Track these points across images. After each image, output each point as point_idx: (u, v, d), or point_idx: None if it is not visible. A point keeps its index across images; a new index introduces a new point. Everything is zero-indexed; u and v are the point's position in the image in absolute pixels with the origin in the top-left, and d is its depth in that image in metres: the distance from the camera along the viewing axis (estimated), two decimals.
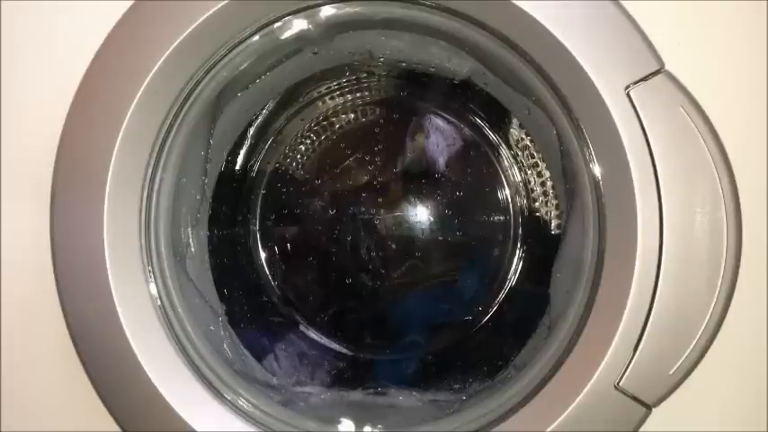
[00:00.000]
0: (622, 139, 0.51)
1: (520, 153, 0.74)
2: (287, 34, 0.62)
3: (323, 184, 0.75)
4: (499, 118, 0.74)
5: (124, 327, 0.55)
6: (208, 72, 0.59)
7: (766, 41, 0.54)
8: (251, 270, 0.76)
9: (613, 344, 0.52)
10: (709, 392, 0.56)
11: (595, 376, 0.52)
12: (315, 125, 0.76)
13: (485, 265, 0.75)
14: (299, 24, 0.61)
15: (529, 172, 0.74)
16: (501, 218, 0.74)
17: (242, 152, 0.73)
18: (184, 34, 0.55)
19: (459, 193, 0.75)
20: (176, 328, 0.60)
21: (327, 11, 0.60)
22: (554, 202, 0.70)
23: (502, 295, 0.74)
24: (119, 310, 0.55)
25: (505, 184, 0.74)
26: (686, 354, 0.52)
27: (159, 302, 0.59)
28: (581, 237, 0.59)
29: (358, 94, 0.76)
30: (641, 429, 0.54)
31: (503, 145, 0.74)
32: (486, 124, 0.75)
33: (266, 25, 0.59)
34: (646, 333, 0.52)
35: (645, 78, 0.52)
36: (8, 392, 0.63)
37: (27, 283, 0.61)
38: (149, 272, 0.59)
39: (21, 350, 0.62)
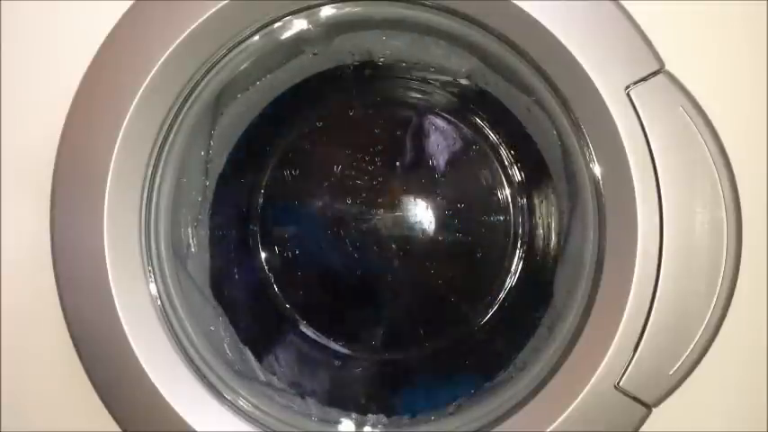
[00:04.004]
0: (622, 139, 0.51)
1: (520, 153, 0.74)
2: (287, 34, 0.62)
3: (323, 185, 0.75)
4: (499, 118, 0.74)
5: (124, 327, 0.55)
6: (208, 72, 0.59)
7: (766, 41, 0.54)
8: (251, 270, 0.76)
9: (613, 344, 0.52)
10: (710, 392, 0.56)
11: (595, 376, 0.52)
12: (315, 125, 0.76)
13: (485, 264, 0.75)
14: (299, 24, 0.61)
15: (529, 172, 0.74)
16: (501, 218, 0.74)
17: (243, 152, 0.73)
18: (184, 34, 0.55)
19: (459, 192, 0.75)
20: (176, 328, 0.60)
21: (327, 11, 0.60)
22: (554, 201, 0.69)
23: (502, 295, 0.74)
24: (119, 310, 0.55)
25: (505, 184, 0.74)
26: (686, 354, 0.52)
27: (159, 302, 0.59)
28: (581, 237, 0.59)
29: (358, 95, 0.76)
30: (641, 429, 0.54)
31: (503, 145, 0.74)
32: (486, 124, 0.75)
33: (266, 25, 0.59)
34: (646, 333, 0.52)
35: (645, 78, 0.52)
36: (8, 392, 0.63)
37: (27, 283, 0.61)
38: (149, 272, 0.59)
39: (21, 350, 0.62)
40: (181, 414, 0.56)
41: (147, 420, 0.56)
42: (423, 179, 0.75)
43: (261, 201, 0.76)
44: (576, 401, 0.52)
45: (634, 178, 0.51)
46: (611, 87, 0.51)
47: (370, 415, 0.66)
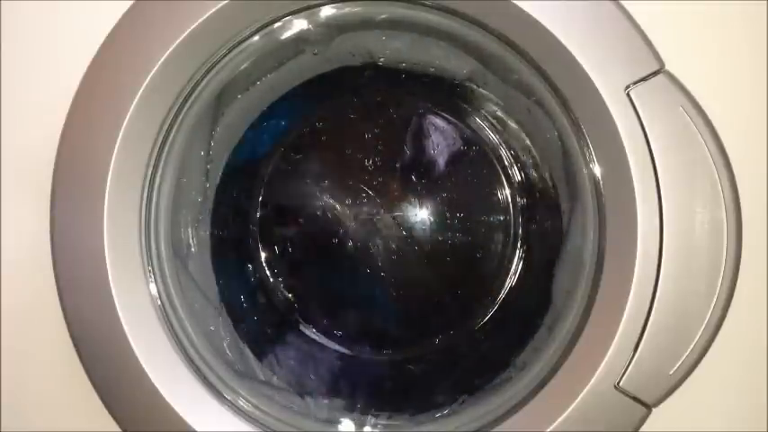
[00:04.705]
0: (622, 139, 0.51)
1: (520, 153, 0.74)
2: (287, 34, 0.62)
3: (323, 185, 0.75)
4: (499, 118, 0.74)
5: (124, 327, 0.55)
6: (208, 72, 0.59)
7: (766, 41, 0.54)
8: (251, 270, 0.76)
9: (613, 344, 0.52)
10: (710, 392, 0.56)
11: (595, 376, 0.52)
12: (315, 125, 0.76)
13: (485, 264, 0.75)
14: (299, 24, 0.61)
15: (529, 172, 0.74)
16: (501, 218, 0.74)
17: (242, 152, 0.73)
18: (184, 34, 0.55)
19: (460, 193, 0.75)
20: (176, 328, 0.60)
21: (327, 11, 0.60)
22: (554, 202, 0.69)
23: (502, 295, 0.74)
24: (119, 310, 0.55)
25: (505, 184, 0.74)
26: (686, 354, 0.52)
27: (159, 302, 0.59)
28: (581, 237, 0.59)
29: (358, 95, 0.76)
30: (641, 429, 0.54)
31: (503, 145, 0.74)
32: (487, 124, 0.75)
33: (266, 25, 0.59)
34: (646, 333, 0.52)
35: (645, 78, 0.52)
36: (8, 392, 0.63)
37: (27, 283, 0.61)
38: (149, 272, 0.59)
39: (21, 350, 0.62)
40: (181, 414, 0.56)
41: (147, 420, 0.56)
42: (423, 179, 0.75)
43: (261, 200, 0.76)
44: (576, 401, 0.52)
45: (634, 178, 0.51)
46: (611, 87, 0.51)
47: (370, 415, 0.66)
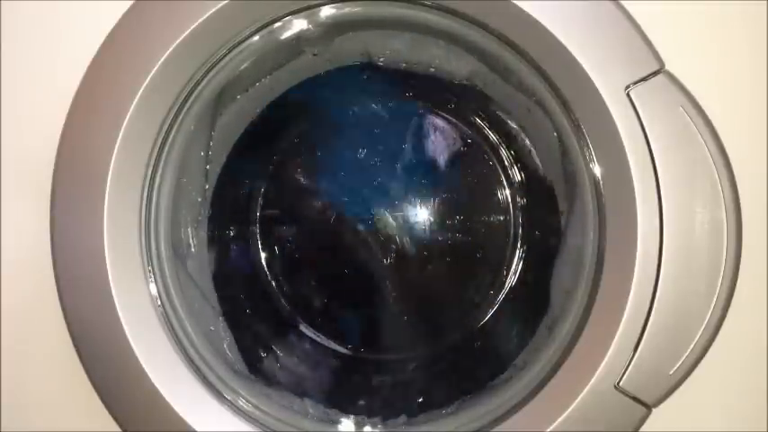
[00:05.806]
0: (622, 139, 0.51)
1: (520, 153, 0.74)
2: (287, 35, 0.62)
3: (322, 185, 0.75)
4: (499, 118, 0.74)
5: (124, 327, 0.55)
6: (208, 72, 0.59)
7: (766, 41, 0.54)
8: (251, 270, 0.76)
9: (613, 344, 0.52)
10: (710, 392, 0.56)
11: (595, 376, 0.52)
12: (315, 126, 0.76)
13: (485, 265, 0.75)
14: (299, 25, 0.61)
15: (529, 172, 0.74)
16: (501, 218, 0.74)
17: (243, 152, 0.73)
18: (184, 34, 0.55)
19: (460, 192, 0.75)
20: (176, 328, 0.60)
21: (327, 11, 0.60)
22: (554, 202, 0.69)
23: (502, 295, 0.74)
24: (119, 310, 0.55)
25: (505, 184, 0.74)
26: (686, 354, 0.52)
27: (159, 302, 0.59)
28: (581, 237, 0.59)
29: (358, 95, 0.76)
30: (641, 429, 0.54)
31: (503, 145, 0.74)
32: (486, 124, 0.75)
33: (266, 25, 0.59)
34: (646, 333, 0.52)
35: (645, 78, 0.52)
36: (8, 392, 0.63)
37: (27, 283, 0.61)
38: (149, 272, 0.59)
39: (21, 350, 0.62)
40: (181, 414, 0.56)
41: (147, 420, 0.56)
42: (423, 179, 0.75)
43: (261, 201, 0.76)
44: (576, 401, 0.52)
45: (634, 178, 0.51)
46: (611, 87, 0.52)
47: (369, 415, 0.66)
